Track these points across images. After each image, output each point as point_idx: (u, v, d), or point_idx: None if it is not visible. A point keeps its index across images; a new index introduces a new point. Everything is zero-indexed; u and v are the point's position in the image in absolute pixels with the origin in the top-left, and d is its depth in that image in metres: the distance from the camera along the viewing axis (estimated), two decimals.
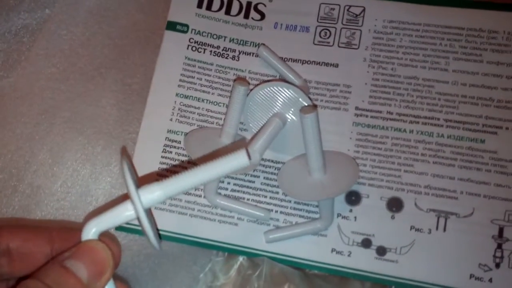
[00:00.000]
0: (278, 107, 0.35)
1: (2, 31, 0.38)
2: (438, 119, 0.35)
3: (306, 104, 0.34)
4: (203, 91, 0.37)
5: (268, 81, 0.35)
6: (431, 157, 0.34)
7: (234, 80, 0.37)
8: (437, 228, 0.33)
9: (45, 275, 0.21)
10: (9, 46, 0.37)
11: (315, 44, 0.38)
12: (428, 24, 0.37)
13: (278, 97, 0.34)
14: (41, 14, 0.38)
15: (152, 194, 0.23)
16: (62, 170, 0.35)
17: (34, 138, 0.36)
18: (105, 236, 0.24)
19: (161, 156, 0.36)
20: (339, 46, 0.37)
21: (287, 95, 0.34)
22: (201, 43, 0.38)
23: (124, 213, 0.24)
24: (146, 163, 0.35)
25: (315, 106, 0.35)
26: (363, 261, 0.33)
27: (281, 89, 0.34)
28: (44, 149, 0.35)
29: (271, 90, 0.34)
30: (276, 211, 0.34)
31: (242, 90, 0.34)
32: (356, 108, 0.36)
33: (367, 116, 0.36)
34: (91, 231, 0.23)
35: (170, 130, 0.36)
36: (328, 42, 0.38)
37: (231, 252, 0.34)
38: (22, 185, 0.35)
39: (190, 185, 0.24)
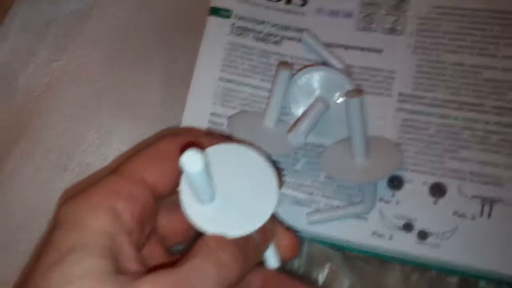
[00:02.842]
0: (321, 91, 0.38)
1: (52, 16, 0.42)
2: (485, 106, 0.37)
3: (351, 89, 0.37)
4: (246, 76, 0.40)
5: (311, 66, 0.39)
6: (476, 143, 0.36)
7: (278, 64, 0.39)
8: (481, 215, 0.35)
9: None
10: (59, 31, 0.41)
11: (358, 30, 0.40)
12: (477, 9, 0.39)
13: (322, 82, 0.37)
14: (88, 0, 0.43)
15: None
16: (109, 152, 0.39)
17: (82, 119, 0.39)
18: None
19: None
20: (382, 32, 0.40)
21: (331, 79, 0.37)
22: (243, 28, 0.41)
23: None
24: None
25: (360, 90, 0.38)
26: (404, 245, 0.35)
27: (324, 73, 0.37)
28: (92, 131, 0.39)
29: (314, 74, 0.37)
30: (317, 194, 0.37)
31: (286, 74, 0.37)
32: (400, 94, 0.38)
33: (411, 102, 0.38)
34: None
35: (213, 113, 0.39)
36: (372, 28, 0.40)
37: None
38: (72, 164, 0.38)
39: None
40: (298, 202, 0.37)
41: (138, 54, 0.41)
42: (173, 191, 0.27)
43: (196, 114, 0.39)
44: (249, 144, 0.27)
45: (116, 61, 0.41)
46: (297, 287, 0.29)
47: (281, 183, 0.27)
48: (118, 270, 0.22)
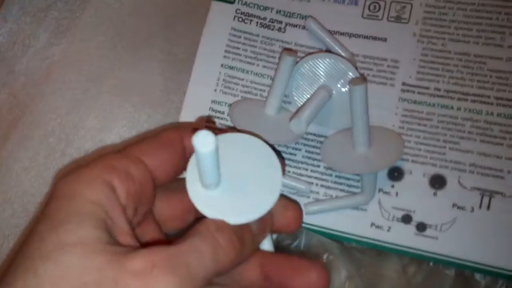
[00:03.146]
0: (324, 79, 0.38)
1: None
2: (489, 96, 0.37)
3: (354, 77, 0.37)
4: (248, 63, 0.40)
5: (315, 53, 0.39)
6: (479, 135, 0.36)
7: (282, 51, 0.40)
8: (480, 207, 0.35)
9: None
10: (59, 14, 0.41)
11: (364, 18, 0.40)
12: None
13: (325, 69, 0.37)
14: None
15: None
16: (110, 136, 0.39)
17: (83, 104, 0.40)
18: None
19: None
20: (388, 20, 0.40)
21: (335, 67, 0.37)
22: (247, 14, 0.41)
23: None
24: None
25: (364, 78, 0.38)
26: (402, 237, 0.35)
27: (328, 61, 0.37)
28: (92, 115, 0.39)
29: (318, 62, 0.37)
30: (317, 184, 0.37)
31: (290, 61, 0.37)
32: (403, 83, 0.38)
33: (413, 92, 0.38)
34: None
35: (214, 101, 0.40)
36: (377, 16, 0.40)
37: None
38: (71, 149, 0.39)
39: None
40: (297, 192, 0.37)
41: (140, 39, 0.42)
42: (171, 179, 0.28)
43: (197, 100, 0.40)
44: (256, 135, 0.28)
45: (117, 46, 0.41)
46: (295, 262, 0.29)
47: (284, 171, 0.28)
48: (112, 241, 0.23)
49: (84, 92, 0.40)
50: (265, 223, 0.28)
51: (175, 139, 0.28)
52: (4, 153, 0.39)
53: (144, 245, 0.24)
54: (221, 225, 0.25)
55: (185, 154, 0.29)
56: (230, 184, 0.26)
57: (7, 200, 0.38)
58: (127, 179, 0.25)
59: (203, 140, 0.22)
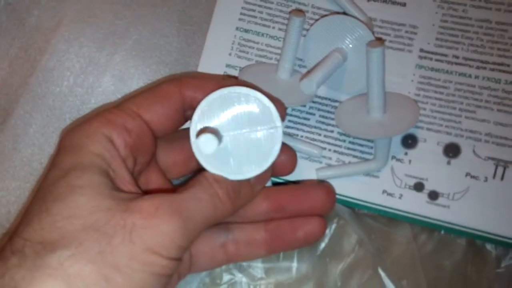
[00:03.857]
0: (339, 42, 0.37)
1: None
2: (508, 65, 0.36)
3: (371, 40, 0.36)
4: (264, 25, 0.39)
5: (331, 15, 0.38)
6: (496, 104, 0.36)
7: (290, 12, 0.39)
8: (494, 177, 0.35)
9: None
10: None
11: None
12: None
13: (341, 32, 0.36)
14: None
15: None
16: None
17: (98, 62, 0.39)
18: None
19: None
20: None
21: (351, 30, 0.36)
22: None
23: None
24: None
25: (382, 41, 0.38)
26: (414, 204, 0.36)
27: (344, 23, 0.36)
28: (107, 75, 0.39)
29: (334, 24, 0.36)
30: (330, 150, 0.37)
31: (298, 21, 0.36)
32: (421, 50, 0.38)
33: (431, 59, 0.38)
34: None
35: (229, 65, 0.39)
36: None
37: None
38: (86, 108, 0.39)
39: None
40: (309, 157, 0.37)
41: None
42: (171, 131, 0.31)
43: (212, 65, 0.39)
44: (256, 87, 0.29)
45: (133, 2, 0.41)
46: (303, 188, 0.33)
47: (284, 117, 0.31)
48: (116, 188, 0.25)
49: (99, 49, 0.40)
50: (263, 176, 0.30)
51: (172, 91, 0.30)
52: (18, 112, 0.39)
53: (148, 193, 0.26)
54: (220, 178, 0.28)
55: (183, 106, 0.30)
56: (232, 140, 0.28)
57: (23, 158, 0.38)
58: (124, 132, 0.27)
59: (206, 144, 0.26)
